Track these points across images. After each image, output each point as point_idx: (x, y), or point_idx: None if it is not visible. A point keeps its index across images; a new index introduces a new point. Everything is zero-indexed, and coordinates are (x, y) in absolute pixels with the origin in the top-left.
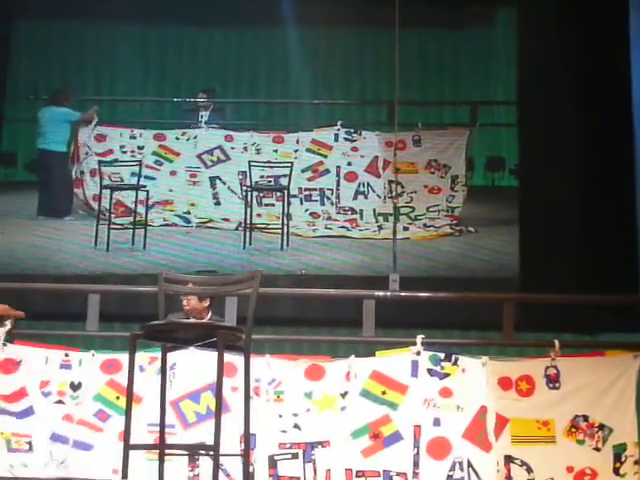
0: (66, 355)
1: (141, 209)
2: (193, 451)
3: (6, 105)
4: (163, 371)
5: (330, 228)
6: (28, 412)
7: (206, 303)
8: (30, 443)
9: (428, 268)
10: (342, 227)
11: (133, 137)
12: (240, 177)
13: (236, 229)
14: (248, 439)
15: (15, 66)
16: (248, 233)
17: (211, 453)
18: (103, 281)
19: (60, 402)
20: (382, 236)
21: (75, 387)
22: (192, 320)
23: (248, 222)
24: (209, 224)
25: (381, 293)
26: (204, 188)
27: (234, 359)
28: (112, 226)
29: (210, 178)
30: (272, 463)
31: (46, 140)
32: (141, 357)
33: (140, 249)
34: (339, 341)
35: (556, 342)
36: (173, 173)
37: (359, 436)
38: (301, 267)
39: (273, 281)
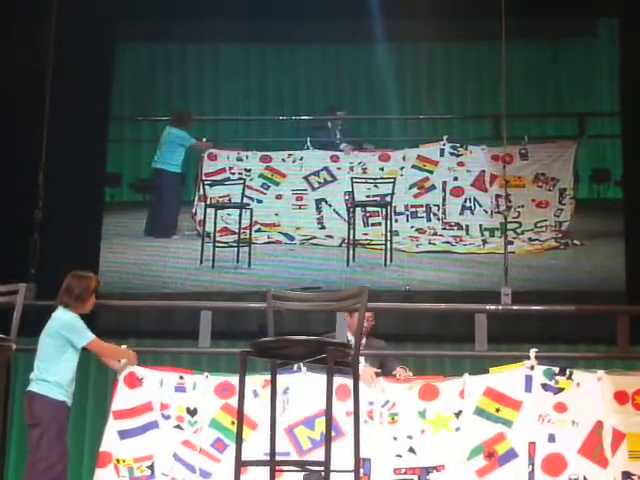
0: (180, 378)
1: (245, 229)
2: (303, 467)
3: (110, 126)
4: (273, 389)
5: (433, 243)
6: (152, 425)
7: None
8: (152, 467)
9: (533, 282)
10: (446, 242)
11: (240, 159)
12: (346, 198)
13: (339, 246)
14: (358, 454)
15: (118, 88)
16: (352, 250)
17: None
18: (209, 299)
19: (179, 427)
20: (486, 250)
21: (192, 412)
22: (300, 337)
23: (352, 239)
24: (313, 241)
25: (493, 307)
26: (309, 211)
27: (348, 382)
28: (217, 244)
29: (316, 201)
30: None
31: (160, 160)
32: (254, 380)
33: (245, 267)
34: (446, 356)
35: None
36: (279, 197)
37: (474, 456)
38: (404, 283)
39: (377, 297)
